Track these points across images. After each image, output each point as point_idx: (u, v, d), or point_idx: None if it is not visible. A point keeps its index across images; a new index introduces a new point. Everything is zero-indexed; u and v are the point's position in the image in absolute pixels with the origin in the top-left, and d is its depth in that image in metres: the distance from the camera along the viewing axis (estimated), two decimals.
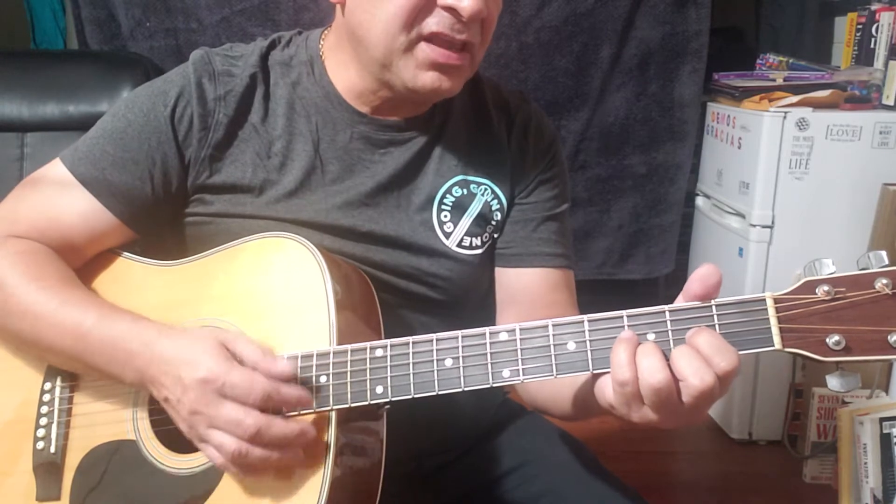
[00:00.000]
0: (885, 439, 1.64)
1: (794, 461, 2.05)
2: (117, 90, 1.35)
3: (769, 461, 2.09)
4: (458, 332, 0.73)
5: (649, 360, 0.64)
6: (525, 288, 0.96)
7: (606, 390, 0.69)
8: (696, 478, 2.09)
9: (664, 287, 2.66)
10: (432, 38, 0.82)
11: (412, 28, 0.81)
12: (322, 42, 0.94)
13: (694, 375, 0.63)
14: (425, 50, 0.82)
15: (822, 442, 1.99)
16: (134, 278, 0.89)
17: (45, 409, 0.85)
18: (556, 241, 0.97)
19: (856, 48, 2.18)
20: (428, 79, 0.83)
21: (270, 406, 0.73)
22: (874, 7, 2.10)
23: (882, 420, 1.65)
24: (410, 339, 0.74)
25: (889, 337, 0.63)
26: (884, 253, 0.64)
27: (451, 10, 0.80)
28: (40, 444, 0.84)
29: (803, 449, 2.04)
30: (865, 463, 1.66)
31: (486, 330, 0.72)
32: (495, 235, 0.97)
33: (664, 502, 1.91)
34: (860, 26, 2.15)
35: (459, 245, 0.93)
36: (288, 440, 0.72)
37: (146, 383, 0.78)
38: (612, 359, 0.66)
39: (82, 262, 0.90)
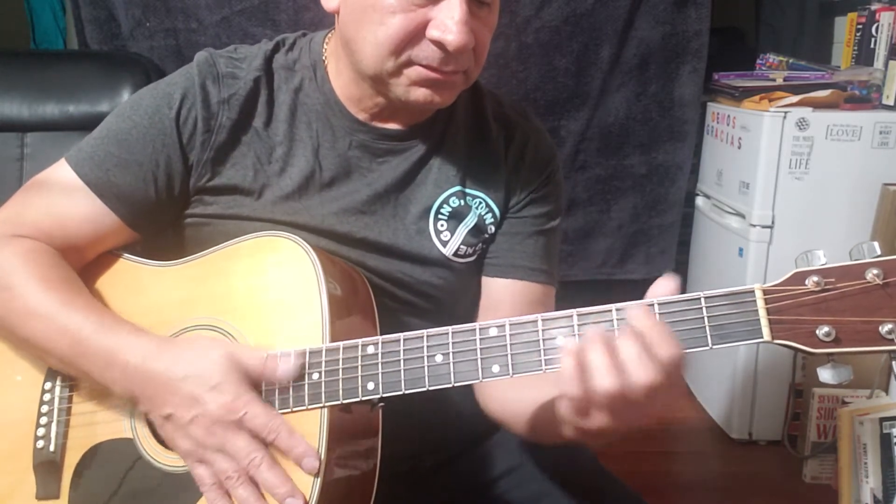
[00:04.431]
0: (885, 439, 1.63)
1: (794, 461, 2.04)
2: (117, 90, 1.35)
3: (769, 461, 2.09)
4: (449, 329, 0.73)
5: (598, 368, 0.63)
6: (502, 298, 0.95)
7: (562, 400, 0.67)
8: (697, 478, 2.08)
9: None
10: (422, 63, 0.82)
11: (401, 54, 0.81)
12: (325, 46, 0.93)
13: (637, 371, 0.62)
14: (416, 69, 0.82)
15: (822, 442, 1.99)
16: (131, 279, 0.89)
17: (45, 409, 0.85)
18: (540, 257, 0.96)
19: (856, 48, 2.17)
20: (420, 94, 0.83)
21: (274, 444, 0.75)
22: (874, 7, 2.09)
23: (882, 420, 1.65)
24: (401, 335, 0.74)
25: (881, 328, 0.62)
26: (876, 244, 0.63)
27: (438, 43, 0.80)
28: (40, 443, 0.84)
29: (803, 449, 2.04)
30: (865, 463, 1.66)
31: (476, 326, 0.72)
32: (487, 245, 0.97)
33: (664, 502, 1.90)
34: (860, 26, 2.15)
35: (455, 254, 0.93)
36: (274, 486, 0.73)
37: (139, 397, 0.78)
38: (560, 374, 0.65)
39: (83, 263, 0.90)
